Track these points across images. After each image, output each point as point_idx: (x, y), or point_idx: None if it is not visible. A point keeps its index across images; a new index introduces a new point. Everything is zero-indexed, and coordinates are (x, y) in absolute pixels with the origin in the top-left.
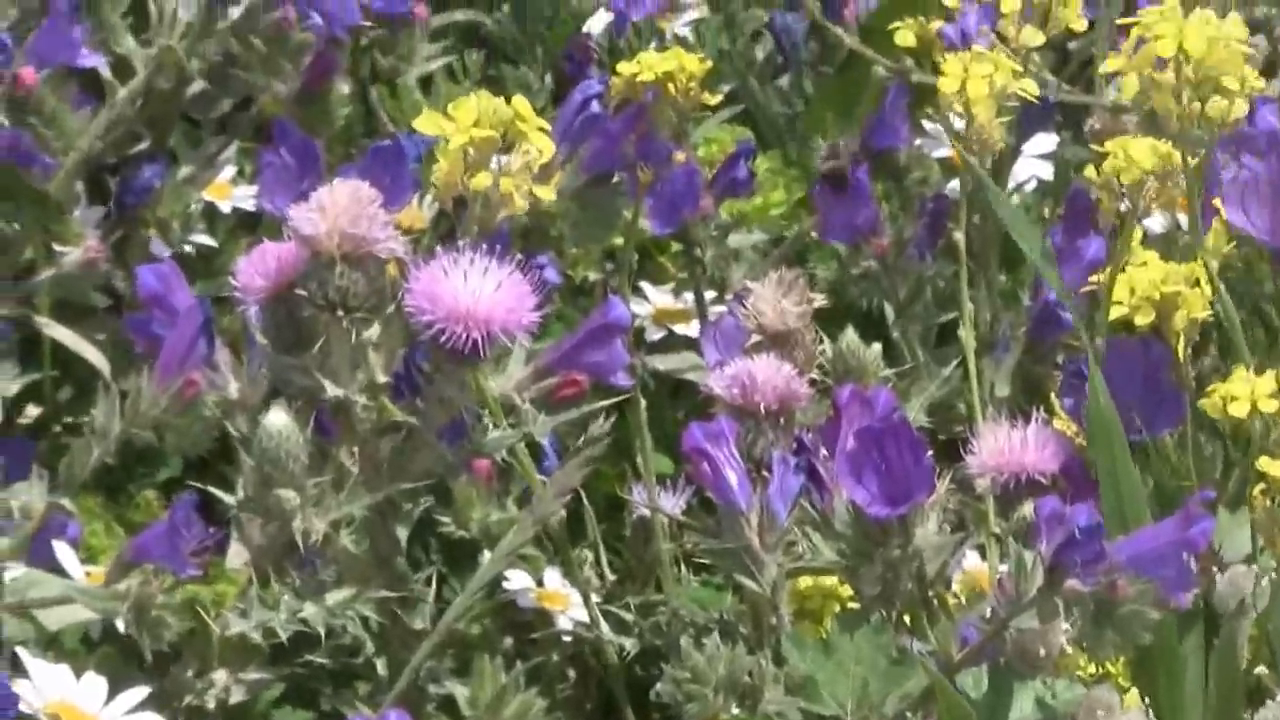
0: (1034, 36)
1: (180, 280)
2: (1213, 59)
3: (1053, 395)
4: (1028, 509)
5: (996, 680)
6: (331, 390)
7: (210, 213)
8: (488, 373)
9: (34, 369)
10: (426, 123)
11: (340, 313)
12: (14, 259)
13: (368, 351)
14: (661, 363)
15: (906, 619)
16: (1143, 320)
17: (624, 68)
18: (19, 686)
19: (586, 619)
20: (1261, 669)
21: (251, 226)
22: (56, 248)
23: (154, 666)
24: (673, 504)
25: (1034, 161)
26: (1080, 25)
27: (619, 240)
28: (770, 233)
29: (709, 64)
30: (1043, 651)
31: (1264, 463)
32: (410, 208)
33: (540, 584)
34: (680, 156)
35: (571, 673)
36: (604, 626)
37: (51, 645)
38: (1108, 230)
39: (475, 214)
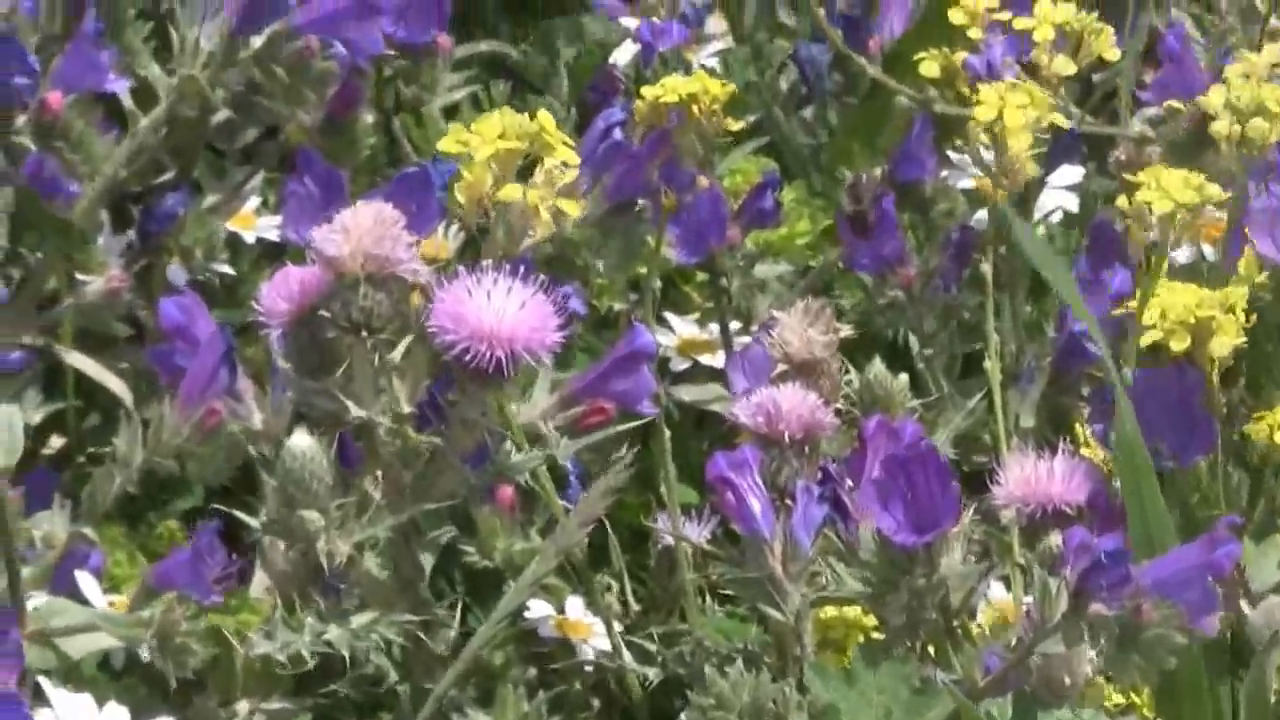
0: (1066, 66)
1: (202, 310)
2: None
3: (1078, 425)
4: (1054, 540)
5: (1021, 709)
6: (355, 412)
7: (234, 243)
8: (513, 400)
9: (57, 398)
10: (450, 141)
11: (364, 334)
12: (37, 288)
13: (391, 376)
14: (686, 393)
15: (931, 649)
16: (1178, 345)
17: (648, 91)
18: (41, 716)
19: (609, 648)
20: None
21: (275, 257)
22: (80, 277)
23: (176, 697)
24: (698, 534)
25: (1059, 193)
26: (1113, 55)
27: (643, 269)
28: (796, 264)
29: (732, 88)
30: (1068, 679)
31: None
32: (435, 237)
33: (562, 612)
34: (704, 182)
35: (595, 702)
36: (627, 656)
37: (73, 674)
38: (1134, 261)
39: (498, 237)
